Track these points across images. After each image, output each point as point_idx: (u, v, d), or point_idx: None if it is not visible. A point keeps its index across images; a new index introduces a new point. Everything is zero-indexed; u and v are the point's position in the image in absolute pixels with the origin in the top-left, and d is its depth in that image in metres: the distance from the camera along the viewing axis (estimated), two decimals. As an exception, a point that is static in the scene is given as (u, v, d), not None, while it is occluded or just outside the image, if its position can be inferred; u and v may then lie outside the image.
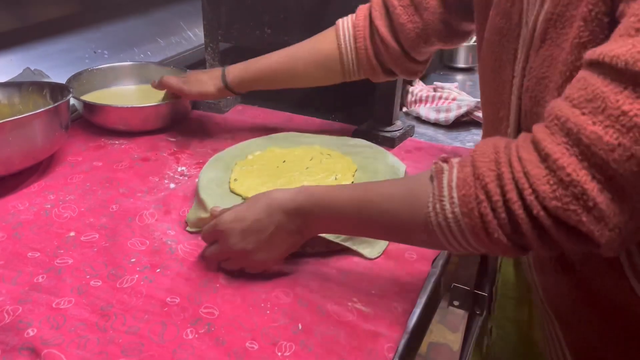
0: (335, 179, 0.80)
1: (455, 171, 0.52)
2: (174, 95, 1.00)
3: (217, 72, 0.93)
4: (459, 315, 1.17)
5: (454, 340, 1.29)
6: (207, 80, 0.93)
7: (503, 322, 0.74)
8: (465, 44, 1.41)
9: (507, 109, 0.64)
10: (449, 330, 1.19)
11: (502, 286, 0.72)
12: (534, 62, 0.55)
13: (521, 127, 0.60)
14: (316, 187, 0.64)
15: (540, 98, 0.55)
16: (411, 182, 0.59)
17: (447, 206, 0.51)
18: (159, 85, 0.99)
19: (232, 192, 0.79)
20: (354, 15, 0.87)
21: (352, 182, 0.81)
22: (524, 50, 0.58)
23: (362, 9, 0.86)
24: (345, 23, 0.87)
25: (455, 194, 0.51)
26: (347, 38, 0.85)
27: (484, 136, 0.72)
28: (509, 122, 0.63)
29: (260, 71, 0.90)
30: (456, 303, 0.93)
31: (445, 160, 0.55)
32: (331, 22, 0.98)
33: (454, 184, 0.51)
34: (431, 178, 0.54)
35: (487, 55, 0.66)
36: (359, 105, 0.99)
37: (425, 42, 0.81)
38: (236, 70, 0.92)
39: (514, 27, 0.59)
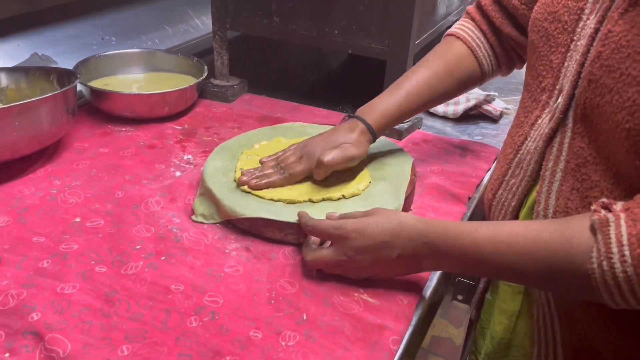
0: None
1: (624, 226, 0.49)
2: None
3: (358, 127, 0.79)
4: (462, 310, 1.17)
5: (457, 334, 1.30)
6: (362, 140, 0.78)
7: (494, 310, 0.73)
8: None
9: (554, 78, 0.61)
10: (452, 325, 1.18)
11: None
12: (616, 26, 0.52)
13: (577, 99, 0.57)
14: (450, 223, 0.60)
15: (617, 69, 0.51)
16: (566, 228, 0.53)
17: (618, 265, 0.48)
18: (330, 164, 0.76)
19: (235, 182, 0.78)
20: (461, 22, 0.84)
21: (365, 173, 0.80)
22: (600, 10, 0.55)
23: (465, 15, 0.84)
24: (461, 27, 0.82)
25: (627, 252, 0.47)
26: (475, 38, 0.81)
27: (522, 107, 0.70)
28: (557, 91, 0.61)
29: (402, 114, 0.81)
30: (460, 297, 0.93)
31: (606, 207, 0.51)
32: (340, 11, 0.98)
33: (624, 241, 0.48)
34: (592, 229, 0.51)
35: (540, 15, 0.63)
36: (366, 96, 0.98)
37: None
38: (381, 121, 0.79)
39: None
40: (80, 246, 0.70)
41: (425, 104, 0.81)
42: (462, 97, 1.09)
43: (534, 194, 0.65)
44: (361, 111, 0.81)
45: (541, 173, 0.62)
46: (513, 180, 0.68)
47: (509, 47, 0.81)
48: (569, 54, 0.60)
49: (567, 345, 0.62)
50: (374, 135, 0.79)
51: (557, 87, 0.61)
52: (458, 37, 0.82)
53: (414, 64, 0.91)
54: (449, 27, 1.33)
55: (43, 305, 0.60)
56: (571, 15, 0.60)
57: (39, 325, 0.58)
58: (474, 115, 1.10)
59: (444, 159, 0.94)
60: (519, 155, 0.67)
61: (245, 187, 0.76)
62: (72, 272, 0.65)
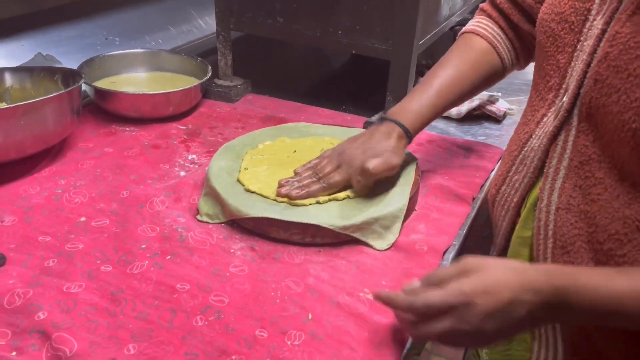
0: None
1: None
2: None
3: (395, 131, 0.76)
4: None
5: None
6: (399, 146, 0.76)
7: None
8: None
9: (561, 77, 0.62)
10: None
11: None
12: (624, 28, 0.53)
13: (582, 98, 0.58)
14: (582, 272, 0.52)
15: (624, 69, 0.52)
16: None
17: None
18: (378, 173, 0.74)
19: (239, 182, 0.78)
20: (477, 20, 0.83)
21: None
22: (607, 11, 0.55)
23: (480, 12, 0.84)
24: (478, 24, 0.82)
25: None
26: (495, 34, 0.80)
27: (529, 105, 0.70)
28: (563, 91, 0.61)
29: (436, 113, 0.79)
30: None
31: None
32: (344, 11, 0.98)
33: None
34: None
35: (547, 16, 0.63)
36: (369, 96, 0.99)
37: None
38: (416, 123, 0.78)
39: None
40: (86, 245, 0.70)
41: (455, 101, 0.81)
42: (465, 98, 1.09)
43: (536, 191, 0.65)
44: (394, 112, 0.79)
45: (545, 170, 0.63)
46: (516, 177, 0.69)
47: (527, 41, 0.82)
48: (575, 54, 0.61)
49: (567, 340, 0.62)
50: (410, 138, 0.77)
51: (564, 86, 0.62)
52: (477, 34, 0.81)
53: (417, 64, 0.92)
54: (452, 27, 1.34)
55: (49, 305, 0.60)
56: (578, 16, 0.60)
57: (46, 324, 0.58)
58: (478, 116, 1.10)
59: (448, 160, 0.94)
60: (523, 152, 0.68)
61: (251, 187, 0.76)
62: (77, 271, 0.66)
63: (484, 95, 1.10)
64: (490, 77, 0.82)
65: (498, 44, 0.80)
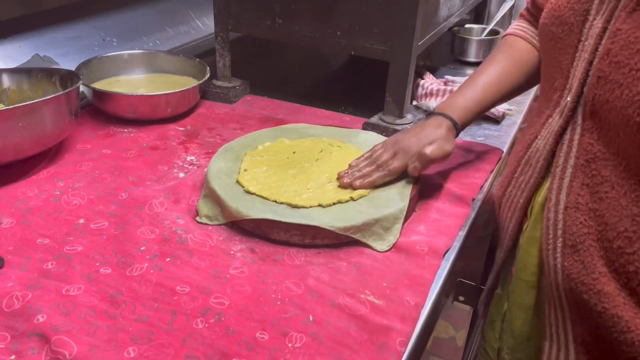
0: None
1: None
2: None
3: (444, 123, 0.80)
4: (463, 311, 1.17)
5: (458, 335, 1.29)
6: (449, 136, 0.80)
7: (510, 304, 0.74)
8: (476, 37, 1.40)
9: (564, 78, 0.63)
10: (452, 326, 1.18)
11: (518, 269, 0.71)
12: (625, 24, 0.54)
13: (586, 96, 0.59)
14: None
15: (626, 64, 0.53)
16: None
17: None
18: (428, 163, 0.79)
19: (239, 183, 0.78)
20: (517, 24, 0.86)
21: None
22: (607, 10, 0.57)
23: (520, 17, 0.86)
24: (519, 27, 0.84)
25: None
26: (535, 36, 0.82)
27: (537, 108, 0.72)
28: (567, 90, 0.62)
29: (482, 109, 0.83)
30: (461, 298, 0.93)
31: None
32: (343, 12, 0.98)
33: None
34: None
35: (548, 20, 0.65)
36: (368, 97, 0.98)
37: None
38: (464, 117, 0.81)
39: None
40: (85, 248, 0.69)
41: (500, 99, 0.84)
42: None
43: (542, 191, 0.66)
44: (442, 108, 0.82)
45: (552, 170, 0.64)
46: (522, 178, 0.69)
47: None
48: (577, 54, 0.62)
49: (579, 340, 0.62)
50: (458, 131, 0.81)
51: (567, 86, 0.63)
52: (519, 37, 0.84)
53: (416, 65, 0.91)
54: (451, 28, 1.34)
55: (49, 307, 0.60)
56: (577, 17, 0.62)
57: (45, 327, 0.57)
58: (476, 117, 1.10)
59: (447, 161, 0.93)
60: (528, 153, 0.69)
61: (251, 189, 0.75)
62: (77, 273, 0.65)
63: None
64: (534, 76, 0.84)
65: (537, 43, 0.82)
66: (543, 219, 0.64)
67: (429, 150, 0.77)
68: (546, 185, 0.65)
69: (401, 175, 0.80)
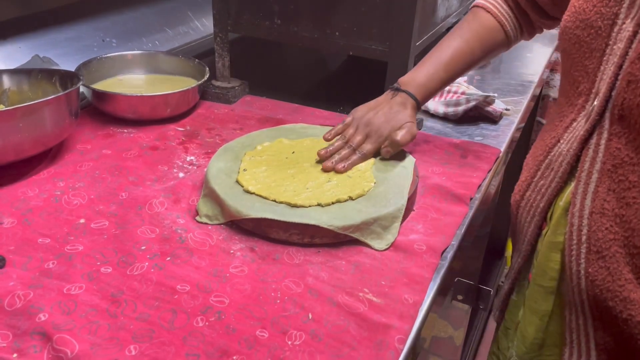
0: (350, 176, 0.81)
1: None
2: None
3: (408, 102, 0.85)
4: (462, 310, 1.18)
5: (456, 334, 1.30)
6: (413, 115, 0.85)
7: (524, 310, 0.73)
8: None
9: (590, 82, 0.62)
10: (450, 325, 1.19)
11: (536, 274, 0.71)
12: None
13: (615, 100, 0.58)
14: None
15: None
16: None
17: None
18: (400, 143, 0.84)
19: (238, 183, 0.78)
20: None
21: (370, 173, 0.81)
22: (638, 13, 0.56)
23: None
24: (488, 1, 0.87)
25: None
26: (503, 12, 0.85)
27: (557, 112, 0.71)
28: (593, 94, 0.61)
29: (442, 85, 0.87)
30: (460, 297, 0.93)
31: None
32: (341, 13, 0.98)
33: None
34: None
35: (571, 24, 0.65)
36: (366, 97, 0.99)
37: None
38: (425, 94, 0.86)
39: None
40: (86, 247, 0.70)
41: (459, 73, 0.87)
42: (462, 98, 1.10)
43: (563, 196, 0.65)
44: (405, 83, 0.86)
45: (576, 175, 0.62)
46: (542, 182, 0.68)
47: (534, 19, 0.85)
48: (604, 58, 0.61)
49: (601, 347, 0.62)
50: (419, 109, 0.86)
51: (594, 90, 0.62)
52: (487, 11, 0.86)
53: (414, 65, 0.92)
54: (449, 28, 1.34)
55: (50, 306, 0.60)
56: (605, 21, 0.61)
57: (47, 325, 0.58)
58: (474, 117, 1.11)
59: (445, 160, 0.94)
60: (549, 157, 0.68)
61: (250, 188, 0.76)
62: (78, 273, 0.66)
63: (480, 96, 1.10)
64: (495, 51, 0.88)
65: (505, 22, 0.85)
66: (566, 224, 0.63)
67: (399, 136, 0.82)
68: (568, 189, 0.64)
69: (398, 173, 0.81)
